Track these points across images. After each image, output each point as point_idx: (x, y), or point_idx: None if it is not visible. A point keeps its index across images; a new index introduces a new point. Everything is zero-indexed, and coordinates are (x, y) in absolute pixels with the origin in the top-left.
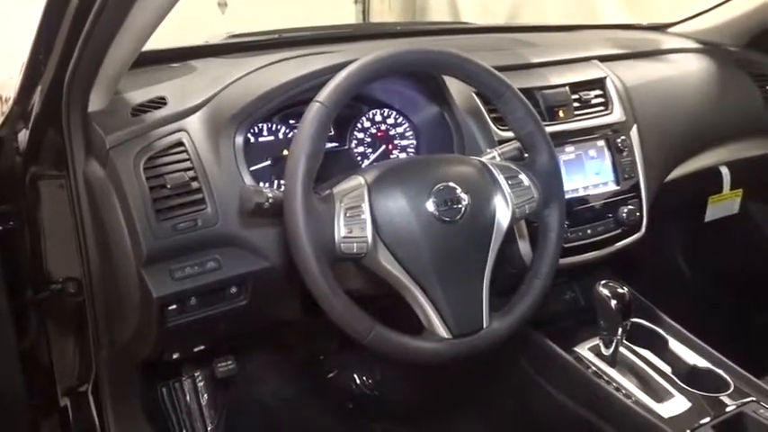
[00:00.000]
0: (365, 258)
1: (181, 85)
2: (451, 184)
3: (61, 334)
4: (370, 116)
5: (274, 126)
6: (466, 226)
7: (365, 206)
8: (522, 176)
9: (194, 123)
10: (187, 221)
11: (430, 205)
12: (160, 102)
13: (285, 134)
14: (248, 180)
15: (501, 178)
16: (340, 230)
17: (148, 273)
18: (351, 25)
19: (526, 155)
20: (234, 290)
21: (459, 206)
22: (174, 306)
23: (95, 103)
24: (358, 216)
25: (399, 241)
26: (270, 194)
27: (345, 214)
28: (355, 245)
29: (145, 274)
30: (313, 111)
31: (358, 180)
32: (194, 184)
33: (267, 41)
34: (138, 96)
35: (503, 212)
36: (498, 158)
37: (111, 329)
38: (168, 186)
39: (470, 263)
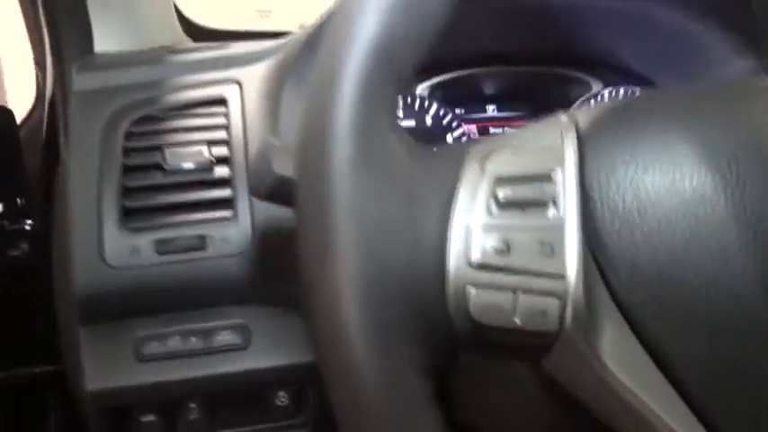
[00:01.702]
0: (557, 346)
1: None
2: None
3: None
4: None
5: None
6: None
7: (565, 183)
8: None
9: (256, 74)
10: (188, 239)
11: None
12: (214, 48)
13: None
14: None
15: None
16: (470, 246)
17: (90, 339)
18: None
19: None
20: (283, 400)
21: None
22: (151, 417)
23: (107, 40)
24: (540, 210)
25: (672, 300)
26: None
27: (496, 199)
28: (533, 299)
29: (83, 340)
30: None
31: (555, 122)
32: (221, 171)
33: None
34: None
35: None
36: None
37: None
38: (166, 167)
39: None
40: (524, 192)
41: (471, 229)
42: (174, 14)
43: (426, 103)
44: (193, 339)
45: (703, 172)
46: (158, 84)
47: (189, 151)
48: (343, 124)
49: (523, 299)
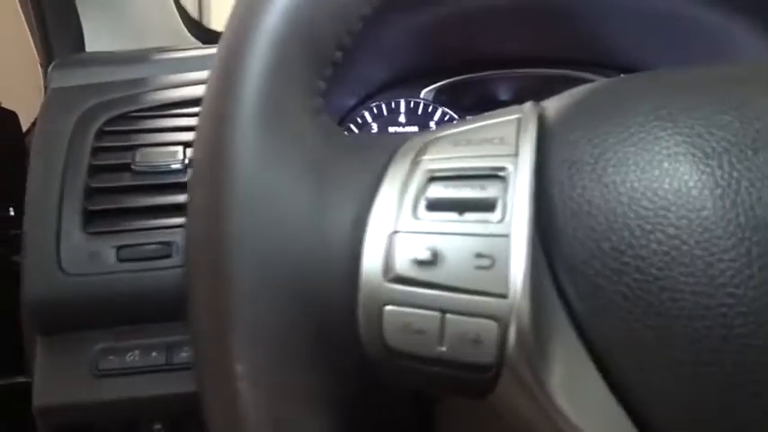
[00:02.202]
0: (502, 385)
1: None
2: None
3: None
4: None
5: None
6: None
7: (516, 182)
8: None
9: None
10: (152, 246)
11: None
12: (201, 48)
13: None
14: None
15: None
16: (389, 255)
17: (45, 351)
18: None
19: None
20: None
21: None
22: None
23: (102, 42)
24: (481, 214)
25: (644, 328)
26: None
27: (427, 199)
28: (466, 322)
29: (39, 351)
30: None
31: (515, 111)
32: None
33: None
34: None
35: None
36: None
37: None
38: (135, 169)
39: None
40: (462, 191)
41: (392, 235)
42: (178, 17)
43: (430, 108)
44: (154, 354)
45: (688, 170)
46: (138, 82)
47: (161, 152)
48: (244, 102)
49: (452, 321)
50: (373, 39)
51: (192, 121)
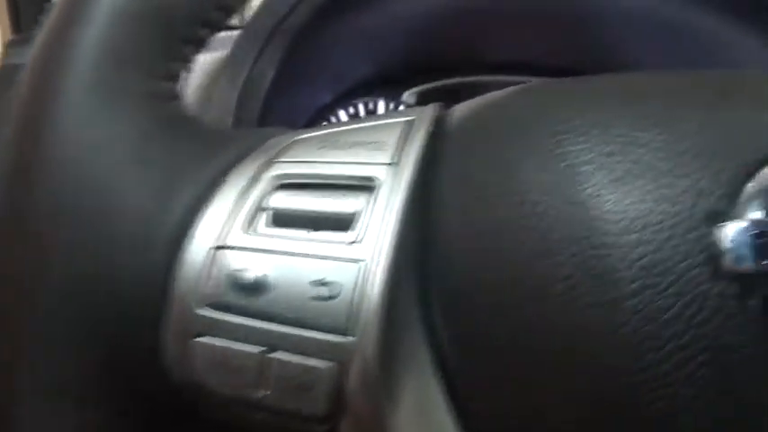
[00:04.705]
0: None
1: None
2: None
3: None
4: None
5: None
6: None
7: (387, 198)
8: None
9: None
10: None
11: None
12: None
13: None
14: None
15: None
16: (208, 275)
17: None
18: None
19: None
20: None
21: None
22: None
23: None
24: (333, 233)
25: (528, 380)
26: None
27: (261, 210)
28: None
29: None
30: None
31: (410, 112)
32: None
33: None
34: None
35: None
36: None
37: None
38: None
39: None
40: (315, 202)
41: (214, 250)
42: None
43: None
44: None
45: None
46: None
47: None
48: (73, 76)
49: (278, 360)
50: (353, 25)
51: None
